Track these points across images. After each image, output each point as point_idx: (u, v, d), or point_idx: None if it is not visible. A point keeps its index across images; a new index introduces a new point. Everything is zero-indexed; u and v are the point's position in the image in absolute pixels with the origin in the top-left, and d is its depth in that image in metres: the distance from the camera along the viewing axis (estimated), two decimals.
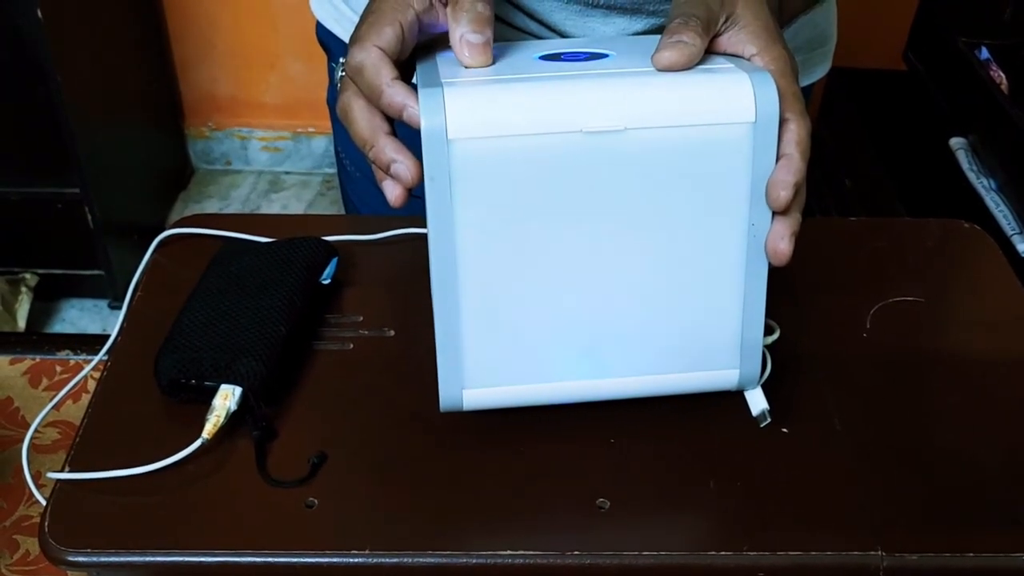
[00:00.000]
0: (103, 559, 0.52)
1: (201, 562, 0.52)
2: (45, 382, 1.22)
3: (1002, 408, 0.61)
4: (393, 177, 0.54)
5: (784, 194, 0.51)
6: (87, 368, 0.67)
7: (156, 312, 0.65)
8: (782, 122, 0.51)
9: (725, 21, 0.54)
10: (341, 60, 0.57)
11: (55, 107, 1.60)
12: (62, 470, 0.55)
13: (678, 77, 0.52)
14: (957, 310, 0.70)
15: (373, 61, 0.54)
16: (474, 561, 0.52)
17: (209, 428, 0.56)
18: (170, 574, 0.52)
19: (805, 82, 0.83)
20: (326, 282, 0.67)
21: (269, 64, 2.09)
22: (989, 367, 0.65)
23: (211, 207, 2.10)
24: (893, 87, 1.77)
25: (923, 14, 1.64)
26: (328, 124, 0.91)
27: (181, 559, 0.52)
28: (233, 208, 2.11)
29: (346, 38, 0.78)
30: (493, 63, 0.54)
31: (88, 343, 1.25)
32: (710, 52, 0.54)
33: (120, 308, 0.67)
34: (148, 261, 0.70)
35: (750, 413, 0.59)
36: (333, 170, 2.19)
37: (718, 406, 0.59)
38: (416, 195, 0.55)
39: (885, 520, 0.54)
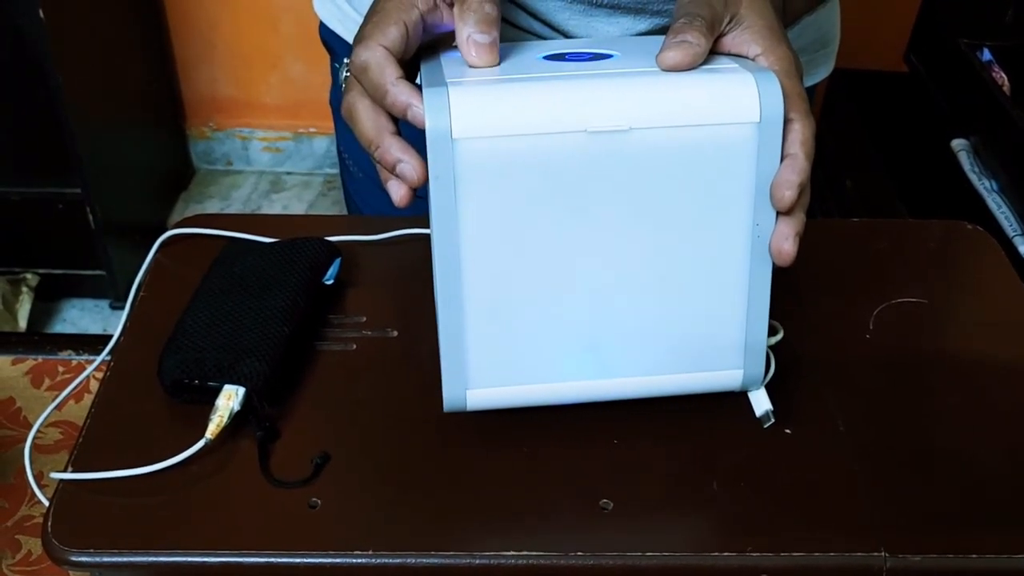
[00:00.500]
0: (106, 559, 0.51)
1: (204, 562, 0.52)
2: (47, 382, 1.22)
3: (1005, 409, 0.61)
4: (399, 177, 0.54)
5: (788, 194, 0.51)
6: (90, 368, 0.67)
7: (159, 312, 0.65)
8: (786, 122, 0.51)
9: (729, 21, 0.54)
10: (345, 60, 0.57)
11: (56, 107, 1.60)
12: (65, 470, 0.55)
13: (682, 77, 0.52)
14: (960, 311, 0.70)
15: (378, 60, 0.54)
16: (477, 562, 0.52)
17: (212, 428, 0.56)
18: (173, 574, 0.52)
19: (808, 83, 0.83)
20: (329, 282, 0.67)
21: (270, 64, 2.09)
22: (991, 368, 0.65)
23: (212, 207, 2.10)
24: (895, 88, 1.77)
25: (925, 15, 1.64)
26: (329, 124, 0.91)
27: (184, 559, 0.51)
28: (234, 208, 2.11)
29: (349, 38, 0.78)
30: (498, 63, 0.54)
31: (90, 343, 1.25)
32: (714, 52, 0.54)
33: (121, 308, 0.67)
34: (151, 261, 0.70)
35: (753, 414, 0.59)
36: (334, 170, 2.19)
37: (721, 407, 0.59)
38: (420, 195, 0.55)
39: (888, 521, 0.54)
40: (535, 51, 0.57)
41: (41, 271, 1.79)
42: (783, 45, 0.54)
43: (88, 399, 0.59)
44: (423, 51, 0.57)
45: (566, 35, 0.70)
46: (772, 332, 0.59)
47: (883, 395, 0.62)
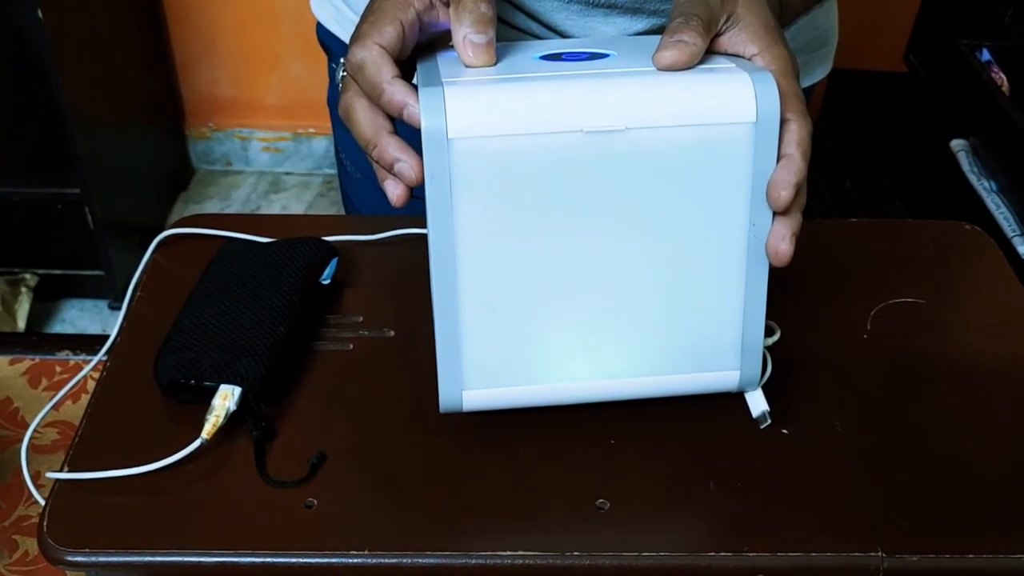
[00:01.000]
0: (102, 559, 0.51)
1: (200, 562, 0.52)
2: (45, 382, 1.21)
3: (1002, 409, 0.61)
4: (396, 176, 0.54)
5: (785, 194, 0.51)
6: (87, 368, 0.67)
7: (156, 312, 0.65)
8: (783, 122, 0.51)
9: (726, 21, 0.54)
10: (342, 60, 0.57)
11: (56, 107, 1.60)
12: (61, 470, 0.55)
13: (679, 77, 0.52)
14: (958, 311, 0.70)
15: (374, 59, 0.54)
16: (473, 562, 0.52)
17: (208, 428, 0.56)
18: (169, 574, 0.52)
19: (806, 83, 0.83)
20: (326, 282, 0.67)
21: (270, 65, 2.09)
22: (990, 368, 0.65)
23: (211, 208, 2.10)
24: (894, 88, 1.77)
25: (924, 16, 1.64)
26: (329, 125, 0.91)
27: (180, 559, 0.51)
28: (233, 209, 2.11)
29: (347, 39, 0.78)
30: (494, 63, 0.54)
31: (88, 343, 1.25)
32: (711, 52, 0.54)
33: (120, 309, 0.67)
34: (148, 261, 0.70)
35: (750, 414, 0.58)
36: (333, 171, 2.19)
37: (718, 407, 0.59)
38: (417, 195, 0.55)
39: (885, 521, 0.54)
40: (531, 51, 0.56)
41: (40, 271, 1.79)
42: (780, 45, 0.54)
43: (85, 399, 0.59)
44: (420, 51, 0.57)
45: (563, 35, 0.70)
46: (769, 332, 0.59)
47: (881, 395, 0.62)
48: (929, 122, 1.55)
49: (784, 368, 0.61)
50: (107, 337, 0.65)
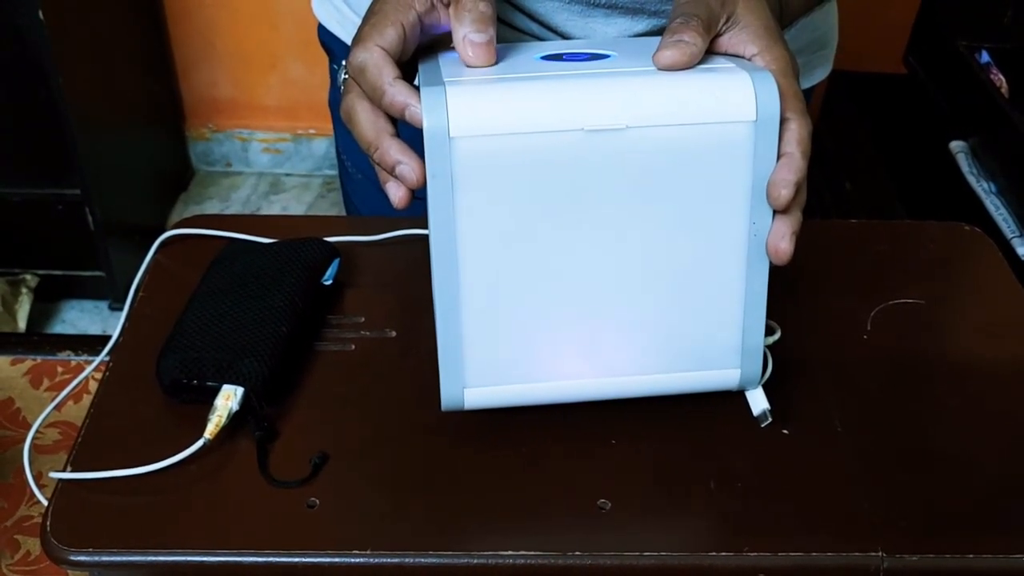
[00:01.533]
0: (105, 558, 0.52)
1: (203, 562, 0.52)
2: (46, 383, 1.22)
3: (1002, 409, 0.61)
4: (398, 178, 0.54)
5: (785, 193, 0.51)
6: (89, 368, 0.67)
7: (158, 313, 0.65)
8: (783, 121, 0.52)
9: (726, 21, 0.55)
10: (344, 62, 0.57)
11: (56, 108, 1.60)
12: (64, 470, 0.55)
13: (679, 76, 0.52)
14: (958, 312, 0.70)
15: (375, 61, 0.54)
16: (475, 561, 0.52)
17: (211, 428, 0.56)
18: (172, 574, 0.52)
19: (806, 85, 0.83)
20: (328, 283, 0.67)
21: (270, 66, 2.09)
22: (989, 369, 0.65)
23: (211, 209, 2.10)
24: (893, 90, 1.77)
25: (923, 17, 1.64)
26: (328, 126, 0.91)
27: (183, 559, 0.52)
28: (233, 210, 2.11)
29: (348, 40, 0.79)
30: (495, 64, 0.54)
31: (89, 344, 1.25)
32: (711, 52, 0.55)
33: (120, 309, 0.67)
34: (150, 262, 0.70)
35: (751, 413, 0.59)
36: (333, 172, 2.19)
37: (719, 407, 0.59)
38: (419, 196, 0.55)
39: (885, 521, 0.54)
40: (532, 52, 0.57)
41: (40, 272, 1.79)
42: (780, 45, 0.55)
43: (87, 400, 0.59)
44: (421, 52, 0.58)
45: (563, 36, 0.70)
46: (770, 332, 0.59)
47: (881, 395, 0.62)
48: (929, 123, 1.56)
49: (784, 368, 0.61)
50: (108, 338, 0.65)
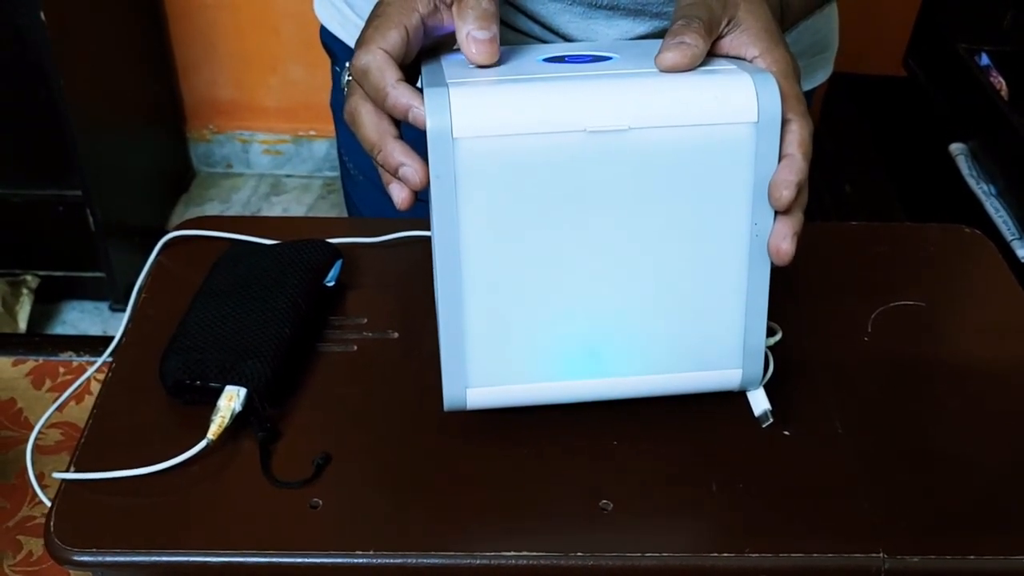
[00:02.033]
0: (108, 559, 0.52)
1: (206, 562, 0.52)
2: (48, 383, 1.22)
3: (1002, 411, 0.62)
4: (401, 180, 0.55)
5: (786, 194, 0.52)
6: (91, 369, 0.67)
7: (160, 314, 0.65)
8: (784, 123, 0.52)
9: (727, 23, 0.55)
10: (347, 65, 0.57)
11: (57, 109, 1.60)
12: (67, 470, 0.55)
13: (681, 78, 0.52)
14: (958, 314, 0.70)
15: (378, 63, 0.54)
16: (477, 562, 0.52)
17: (214, 429, 0.56)
18: (174, 574, 0.53)
19: (806, 87, 0.83)
20: (330, 284, 0.67)
21: (270, 67, 2.09)
22: (989, 371, 0.65)
23: (212, 210, 2.10)
24: (894, 92, 1.77)
25: (923, 20, 1.65)
26: (329, 127, 0.91)
27: (186, 559, 0.52)
28: (234, 211, 2.11)
29: (350, 41, 0.79)
30: (497, 65, 0.54)
31: (91, 345, 1.26)
32: (712, 54, 0.55)
33: (121, 310, 0.67)
34: (152, 263, 0.70)
35: (752, 415, 0.59)
36: (334, 173, 2.19)
37: (720, 407, 0.59)
38: (422, 198, 0.55)
39: (886, 522, 0.54)
40: (535, 54, 0.57)
41: (41, 273, 1.79)
42: (781, 47, 0.55)
43: (89, 400, 0.59)
44: (424, 55, 0.58)
45: (566, 38, 0.71)
46: (771, 333, 0.60)
47: (881, 397, 0.62)
48: (928, 126, 1.56)
49: (785, 370, 0.61)
50: (110, 338, 0.65)
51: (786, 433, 0.59)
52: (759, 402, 0.58)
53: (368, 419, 0.59)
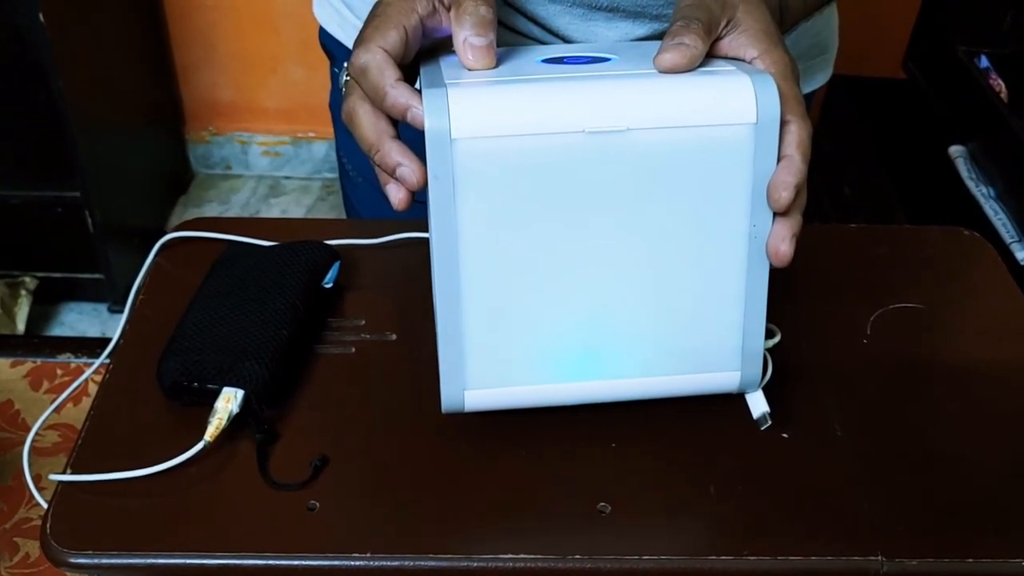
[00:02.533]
0: (105, 561, 0.52)
1: (203, 564, 0.52)
2: (46, 385, 1.22)
3: (1001, 414, 0.62)
4: (398, 180, 0.54)
5: (785, 195, 0.52)
6: (89, 371, 0.67)
7: (158, 315, 0.65)
8: (783, 124, 0.52)
9: (726, 25, 0.55)
10: (345, 64, 0.57)
11: (56, 110, 1.60)
12: (64, 472, 0.55)
13: (680, 78, 0.52)
14: (957, 317, 0.70)
15: (377, 63, 0.54)
16: (475, 564, 0.52)
17: (211, 431, 0.56)
18: None
19: (806, 89, 0.83)
20: (328, 286, 0.67)
21: (270, 69, 2.09)
22: (988, 373, 0.65)
23: (211, 211, 2.10)
24: (893, 95, 1.78)
25: (923, 22, 1.65)
26: (328, 129, 0.91)
27: (183, 561, 0.52)
28: (232, 212, 2.11)
29: (349, 43, 0.79)
30: (496, 66, 0.54)
31: (89, 346, 1.25)
32: (711, 56, 0.55)
33: (119, 312, 0.67)
34: (150, 264, 0.70)
35: (750, 417, 0.59)
36: (333, 175, 2.19)
37: (719, 410, 0.59)
38: (419, 199, 0.55)
39: (885, 525, 0.54)
40: (534, 55, 0.57)
41: (39, 274, 1.79)
42: (780, 48, 0.55)
43: (86, 402, 0.59)
44: (423, 55, 0.58)
45: (565, 40, 0.71)
46: (770, 335, 0.60)
47: (880, 399, 0.62)
48: (928, 128, 1.56)
49: (784, 372, 0.61)
50: (108, 340, 0.65)
51: (785, 435, 0.59)
52: (758, 404, 0.58)
53: (366, 421, 0.59)
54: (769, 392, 0.59)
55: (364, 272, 0.70)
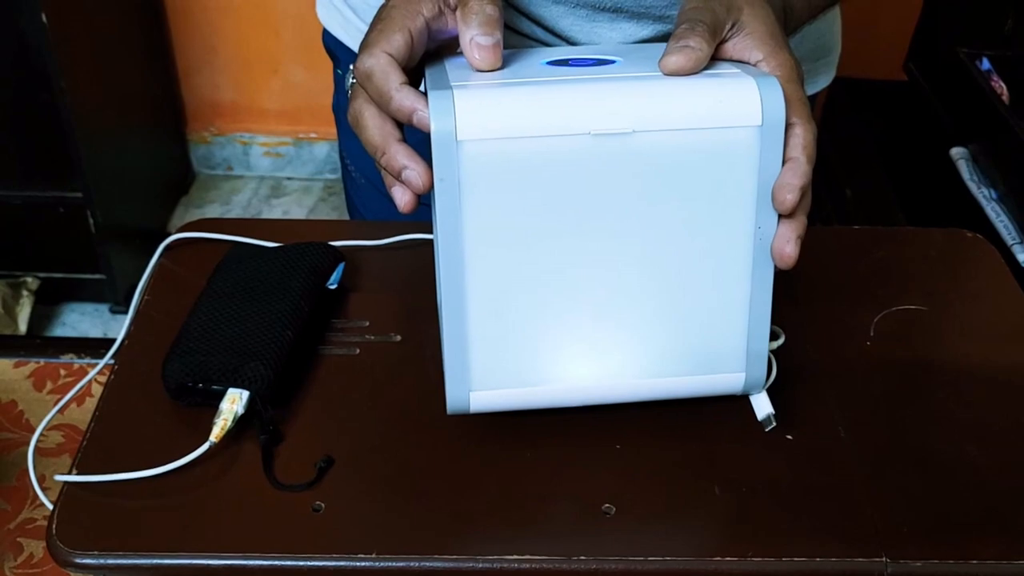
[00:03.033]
0: (110, 561, 0.52)
1: (208, 565, 0.52)
2: (49, 385, 1.22)
3: (1005, 415, 0.62)
4: (404, 183, 0.55)
5: (790, 197, 0.52)
6: (94, 371, 0.67)
7: (162, 316, 0.65)
8: (788, 126, 0.52)
9: (731, 27, 0.55)
10: (351, 68, 0.57)
11: (58, 111, 1.60)
12: (70, 472, 0.55)
13: (685, 81, 0.52)
14: (959, 318, 0.70)
15: (382, 67, 0.54)
16: (480, 565, 0.52)
17: (216, 432, 0.56)
18: None
19: (809, 91, 0.83)
20: (333, 287, 0.67)
21: (271, 69, 2.09)
22: (991, 375, 0.65)
23: (212, 212, 2.10)
24: (894, 97, 1.78)
25: (924, 25, 1.65)
26: (330, 130, 0.91)
27: (188, 562, 0.52)
28: (234, 214, 2.11)
29: (353, 45, 0.79)
30: (501, 68, 0.54)
31: (92, 347, 1.26)
32: (716, 58, 0.55)
33: (121, 312, 0.67)
34: (154, 265, 0.70)
35: (755, 418, 0.59)
36: (335, 176, 2.19)
37: (723, 411, 0.59)
38: (424, 202, 0.55)
39: (889, 527, 0.54)
40: (538, 57, 0.57)
41: (41, 275, 1.79)
42: (784, 51, 0.55)
43: (90, 403, 0.59)
44: (428, 58, 0.58)
45: (569, 41, 0.71)
46: (774, 337, 0.60)
47: (884, 401, 0.62)
48: (929, 130, 1.56)
49: (788, 374, 0.61)
50: (112, 341, 0.65)
51: (789, 437, 0.59)
52: (762, 406, 0.58)
53: (371, 422, 0.59)
54: (773, 394, 0.59)
55: (368, 273, 0.71)
